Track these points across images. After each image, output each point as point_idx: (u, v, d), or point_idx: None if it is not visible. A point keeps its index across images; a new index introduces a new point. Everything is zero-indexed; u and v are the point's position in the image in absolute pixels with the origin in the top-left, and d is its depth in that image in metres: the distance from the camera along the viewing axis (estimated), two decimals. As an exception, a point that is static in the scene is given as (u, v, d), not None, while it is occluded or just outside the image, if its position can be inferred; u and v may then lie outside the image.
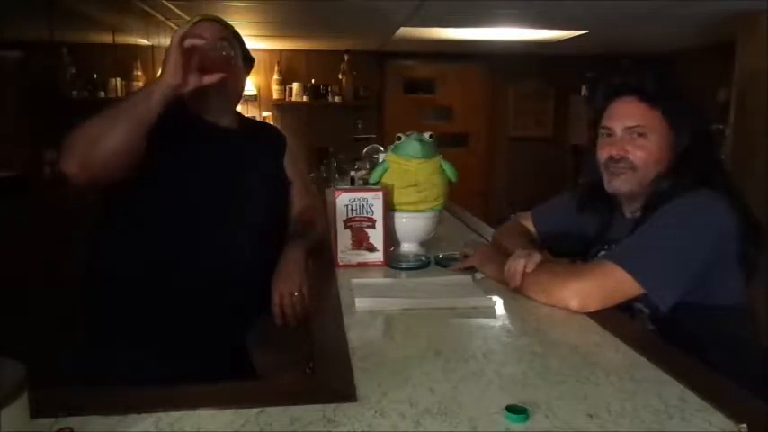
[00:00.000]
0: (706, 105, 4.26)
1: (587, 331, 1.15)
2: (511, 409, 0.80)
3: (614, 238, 1.41)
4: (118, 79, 5.21)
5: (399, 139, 1.62)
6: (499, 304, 1.29)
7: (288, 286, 1.47)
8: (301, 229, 1.64)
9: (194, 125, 1.54)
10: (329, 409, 0.82)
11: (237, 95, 1.64)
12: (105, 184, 1.40)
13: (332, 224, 1.59)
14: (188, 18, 1.64)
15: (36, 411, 0.69)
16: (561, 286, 1.24)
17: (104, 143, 1.31)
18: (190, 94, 1.47)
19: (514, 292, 1.33)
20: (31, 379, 0.64)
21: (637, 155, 1.36)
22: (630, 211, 1.42)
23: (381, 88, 6.12)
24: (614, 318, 1.20)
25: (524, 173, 6.22)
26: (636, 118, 1.36)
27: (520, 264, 1.32)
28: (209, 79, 1.38)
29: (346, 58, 5.78)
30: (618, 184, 1.39)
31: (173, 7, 3.81)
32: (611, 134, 1.40)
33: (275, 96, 5.82)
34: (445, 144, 5.20)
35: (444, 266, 1.57)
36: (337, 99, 5.85)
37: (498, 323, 1.20)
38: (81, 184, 1.34)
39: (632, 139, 1.36)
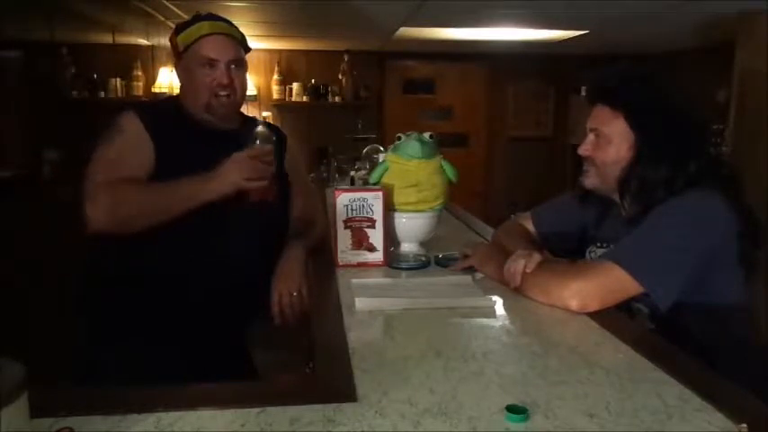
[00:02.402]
0: (704, 105, 4.26)
1: (587, 331, 1.15)
2: (511, 409, 0.80)
3: (612, 237, 1.42)
4: (118, 79, 5.22)
5: (399, 139, 1.62)
6: (499, 304, 1.29)
7: (287, 286, 1.47)
8: (301, 228, 1.64)
9: (196, 127, 1.54)
10: (329, 409, 0.82)
11: (242, 102, 1.64)
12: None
13: (332, 224, 1.59)
14: (186, 17, 1.62)
15: (36, 411, 0.68)
16: (561, 286, 1.24)
17: (143, 220, 1.39)
18: (195, 106, 1.52)
19: (514, 292, 1.33)
20: (31, 379, 0.64)
21: (596, 154, 1.42)
22: (626, 210, 1.42)
23: (381, 88, 6.12)
24: (614, 318, 1.20)
25: (524, 173, 6.22)
26: (596, 120, 1.42)
27: (520, 264, 1.32)
28: (255, 185, 1.44)
29: (346, 58, 5.78)
30: (583, 179, 1.48)
31: (173, 7, 3.80)
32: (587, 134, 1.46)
33: (275, 96, 5.82)
34: (445, 144, 5.19)
35: (444, 266, 1.57)
36: (337, 99, 5.85)
37: (498, 323, 1.20)
38: (100, 231, 1.40)
39: (595, 139, 1.42)
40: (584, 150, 1.44)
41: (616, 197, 1.43)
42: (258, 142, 1.47)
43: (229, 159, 1.40)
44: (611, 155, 1.39)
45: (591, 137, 1.43)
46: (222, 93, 1.51)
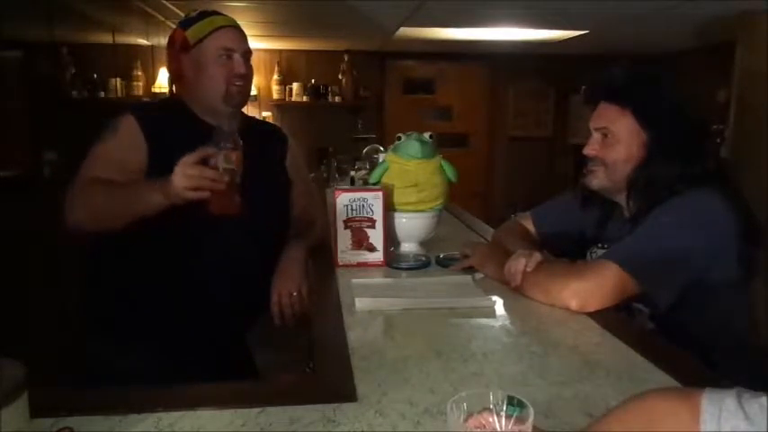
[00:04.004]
0: (705, 105, 4.27)
1: (587, 331, 1.15)
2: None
3: (613, 237, 1.41)
4: (118, 79, 5.21)
5: (399, 139, 1.62)
6: (499, 304, 1.29)
7: (287, 286, 1.47)
8: (302, 228, 1.64)
9: (197, 127, 1.54)
10: (329, 409, 0.82)
11: (247, 100, 1.65)
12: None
13: (332, 224, 1.59)
14: (182, 14, 1.63)
15: (36, 411, 0.69)
16: (561, 286, 1.24)
17: (107, 222, 1.36)
18: (198, 104, 1.53)
19: (514, 292, 1.33)
20: (31, 379, 0.64)
21: (604, 153, 1.39)
22: (627, 210, 1.42)
23: (381, 88, 6.12)
24: (614, 318, 1.20)
25: (524, 173, 6.22)
26: (603, 119, 1.40)
27: (520, 263, 1.32)
28: (195, 195, 1.28)
29: (346, 58, 5.78)
30: (589, 180, 1.44)
31: (173, 7, 3.81)
32: (590, 135, 1.44)
33: (275, 96, 5.81)
34: (445, 144, 5.20)
35: (444, 266, 1.57)
36: (337, 99, 5.85)
37: (498, 323, 1.20)
38: (82, 234, 1.39)
39: (602, 139, 1.40)
40: (590, 150, 1.41)
41: (619, 198, 1.42)
42: (219, 143, 1.28)
43: (177, 164, 1.26)
44: (621, 153, 1.36)
45: (597, 136, 1.41)
46: (238, 82, 1.53)
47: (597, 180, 1.42)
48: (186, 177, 1.24)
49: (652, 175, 1.32)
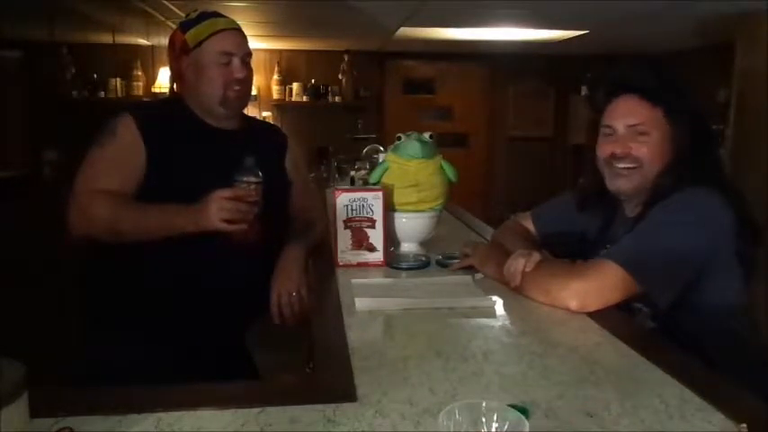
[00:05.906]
0: (706, 105, 4.26)
1: (587, 331, 1.15)
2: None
3: (615, 237, 1.41)
4: (118, 79, 5.22)
5: (399, 139, 1.62)
6: (499, 304, 1.29)
7: (286, 286, 1.47)
8: (301, 228, 1.64)
9: (196, 127, 1.54)
10: (329, 409, 0.82)
11: (247, 103, 1.64)
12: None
13: (332, 224, 1.59)
14: (182, 14, 1.62)
15: (36, 411, 0.69)
16: (561, 286, 1.24)
17: (131, 238, 1.39)
18: (198, 105, 1.53)
19: (514, 292, 1.33)
20: (31, 379, 0.64)
21: (641, 152, 1.34)
22: (631, 209, 1.42)
23: (381, 88, 6.13)
24: (614, 318, 1.20)
25: (524, 173, 6.22)
26: (638, 116, 1.35)
27: (520, 263, 1.32)
28: (233, 228, 1.36)
29: (346, 58, 5.79)
30: (621, 182, 1.37)
31: (173, 7, 3.80)
32: (612, 133, 1.38)
33: (275, 96, 5.82)
34: (445, 144, 5.20)
35: (444, 266, 1.56)
36: (337, 99, 5.85)
37: (498, 323, 1.20)
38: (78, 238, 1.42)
39: (634, 137, 1.35)
40: (624, 149, 1.34)
41: (636, 198, 1.40)
42: (245, 178, 1.39)
43: (210, 197, 1.33)
44: (657, 152, 1.33)
45: (626, 133, 1.35)
46: (237, 87, 1.53)
47: (632, 182, 1.36)
48: (223, 210, 1.32)
49: (676, 175, 1.29)
